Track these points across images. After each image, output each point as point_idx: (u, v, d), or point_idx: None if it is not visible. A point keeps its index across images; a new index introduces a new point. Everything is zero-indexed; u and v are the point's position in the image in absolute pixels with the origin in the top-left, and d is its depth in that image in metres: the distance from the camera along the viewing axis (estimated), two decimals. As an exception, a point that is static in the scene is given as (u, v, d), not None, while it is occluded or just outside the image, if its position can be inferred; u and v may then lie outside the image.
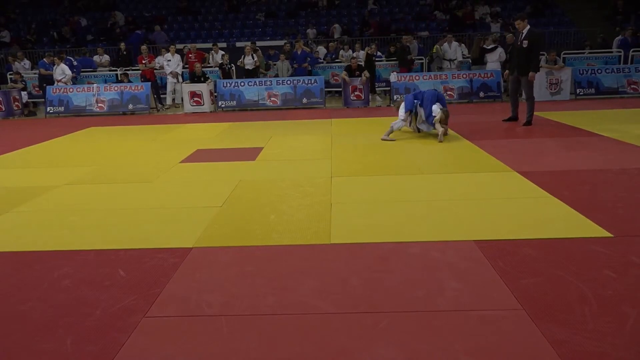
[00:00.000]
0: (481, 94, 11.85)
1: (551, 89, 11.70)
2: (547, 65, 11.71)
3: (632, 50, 13.69)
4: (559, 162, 5.72)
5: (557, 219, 3.88)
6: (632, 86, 11.89)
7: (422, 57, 14.39)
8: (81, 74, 14.04)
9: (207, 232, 3.86)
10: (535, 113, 8.67)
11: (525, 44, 8.04)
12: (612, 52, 14.08)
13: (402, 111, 7.52)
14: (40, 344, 2.45)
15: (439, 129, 7.16)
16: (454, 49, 13.35)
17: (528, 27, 8.12)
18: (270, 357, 2.30)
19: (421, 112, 7.45)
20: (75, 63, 13.72)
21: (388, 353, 2.28)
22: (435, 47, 13.86)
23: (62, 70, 12.66)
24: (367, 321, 2.55)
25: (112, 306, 2.79)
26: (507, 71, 8.85)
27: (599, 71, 12.05)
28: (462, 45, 14.29)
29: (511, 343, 2.32)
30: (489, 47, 12.58)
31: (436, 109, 7.27)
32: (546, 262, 3.14)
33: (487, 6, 18.82)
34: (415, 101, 7.45)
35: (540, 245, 3.38)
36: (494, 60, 12.35)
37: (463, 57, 13.76)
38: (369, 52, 12.86)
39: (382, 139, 7.37)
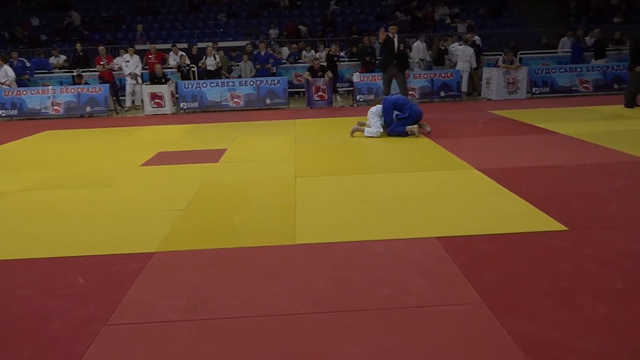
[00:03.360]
0: (442, 94, 12.09)
1: (508, 88, 12.03)
2: (505, 65, 12.04)
3: (583, 50, 14.21)
4: (516, 159, 5.88)
5: (515, 214, 4.00)
6: (584, 85, 12.35)
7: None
8: (35, 75, 13.56)
9: (170, 236, 3.80)
10: (493, 111, 8.91)
11: (401, 46, 9.39)
12: (567, 52, 14.59)
13: (377, 122, 7.56)
14: (-6, 357, 2.36)
15: (416, 130, 7.38)
16: (422, 49, 13.49)
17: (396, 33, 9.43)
18: (236, 360, 2.28)
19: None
20: (28, 64, 13.25)
21: (355, 351, 2.30)
22: None
23: (5, 73, 12.18)
24: (334, 320, 2.56)
25: (71, 315, 2.70)
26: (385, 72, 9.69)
27: (553, 71, 12.47)
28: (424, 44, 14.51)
29: (473, 336, 2.37)
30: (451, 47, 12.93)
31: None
32: (506, 256, 3.22)
33: (447, 7, 19.19)
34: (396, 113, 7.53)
35: (500, 240, 3.48)
36: (465, 60, 12.60)
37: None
38: (330, 52, 12.92)
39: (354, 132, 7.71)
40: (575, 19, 18.29)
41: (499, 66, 12.20)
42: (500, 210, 4.11)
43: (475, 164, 5.63)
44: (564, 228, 3.65)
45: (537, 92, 12.26)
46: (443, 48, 13.20)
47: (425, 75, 12.33)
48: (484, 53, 14.05)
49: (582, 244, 3.37)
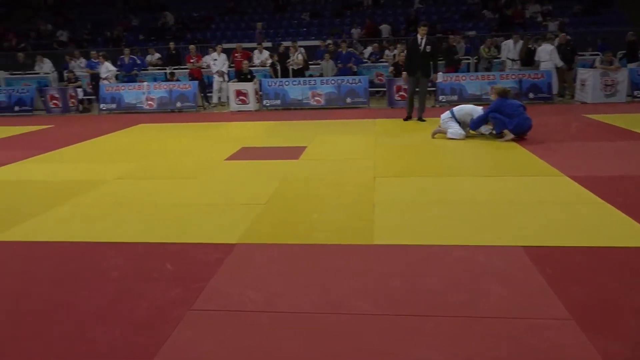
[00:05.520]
0: (531, 95, 11.50)
1: (606, 91, 11.21)
2: (603, 66, 11.24)
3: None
4: (612, 166, 5.48)
5: (609, 227, 3.72)
6: (695, 88, 11.25)
7: (469, 57, 14.09)
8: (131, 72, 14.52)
9: (250, 229, 3.92)
10: (588, 115, 8.36)
11: (428, 48, 9.04)
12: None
13: (456, 125, 7.36)
14: (90, 333, 2.55)
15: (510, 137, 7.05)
16: (513, 49, 12.88)
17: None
18: (310, 355, 2.31)
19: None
20: (138, 61, 14.23)
21: (429, 356, 2.25)
22: (482, 48, 13.56)
23: (106, 68, 13.29)
24: (408, 324, 2.52)
25: (158, 298, 2.87)
26: (404, 73, 9.42)
27: (659, 72, 11.47)
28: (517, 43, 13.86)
29: (559, 353, 2.24)
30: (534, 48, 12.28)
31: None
32: (598, 271, 3.02)
33: (538, 5, 18.23)
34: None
35: (592, 253, 3.25)
36: (546, 59, 11.91)
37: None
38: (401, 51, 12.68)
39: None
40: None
41: (596, 67, 11.42)
42: (592, 222, 3.85)
43: (566, 170, 5.31)
44: (666, 244, 3.36)
45: (638, 95, 11.33)
46: (533, 48, 12.55)
47: (514, 76, 11.80)
48: (579, 53, 13.19)
49: (688, 262, 3.08)
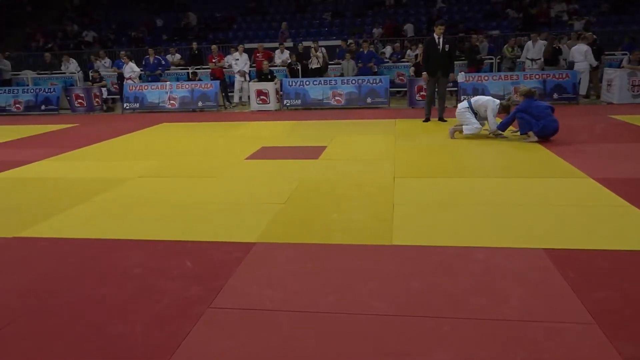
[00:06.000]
0: (555, 96, 11.31)
1: (633, 91, 10.95)
2: (630, 66, 10.99)
3: None
4: (638, 169, 5.35)
5: (635, 230, 3.64)
6: None
7: (492, 57, 13.93)
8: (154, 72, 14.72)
9: (270, 228, 3.94)
10: (614, 116, 8.17)
11: (447, 47, 8.89)
12: None
13: (472, 118, 7.33)
14: (111, 328, 2.59)
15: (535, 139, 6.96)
16: (538, 49, 12.65)
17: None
18: (327, 355, 2.31)
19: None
20: (163, 62, 14.45)
21: (445, 359, 2.23)
22: (505, 48, 13.39)
23: (130, 69, 13.53)
24: (426, 325, 2.51)
25: (179, 295, 2.90)
26: (425, 74, 9.23)
27: (689, 72, 11.14)
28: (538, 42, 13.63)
29: (581, 358, 2.20)
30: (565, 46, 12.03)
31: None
32: (623, 275, 2.95)
33: (564, 3, 17.91)
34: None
35: (617, 257, 3.18)
36: (581, 60, 11.65)
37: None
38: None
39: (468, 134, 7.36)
40: None
41: (623, 67, 11.17)
42: (618, 225, 3.76)
43: (590, 172, 5.21)
44: (695, 249, 3.26)
45: (667, 96, 11.04)
46: (557, 47, 12.34)
47: (537, 76, 11.62)
48: (606, 52, 12.92)
49: None
